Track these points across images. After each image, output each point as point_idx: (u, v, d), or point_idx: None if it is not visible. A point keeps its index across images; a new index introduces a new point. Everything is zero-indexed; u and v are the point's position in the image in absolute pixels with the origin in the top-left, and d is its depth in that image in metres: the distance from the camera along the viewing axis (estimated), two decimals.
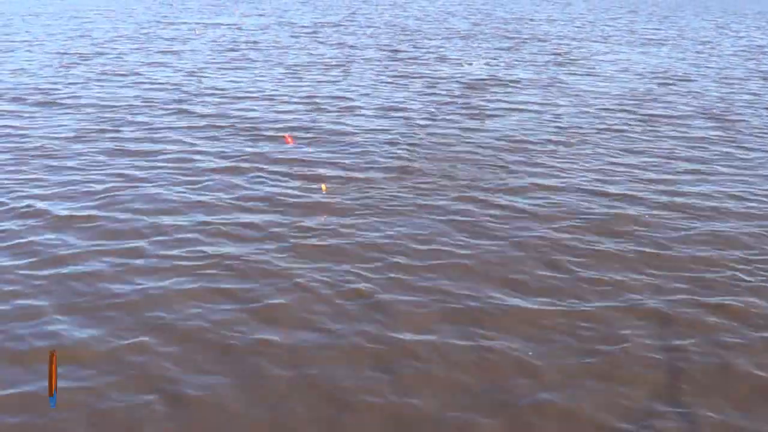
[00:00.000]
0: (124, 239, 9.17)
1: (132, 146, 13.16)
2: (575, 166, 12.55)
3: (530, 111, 16.69)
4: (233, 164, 12.19)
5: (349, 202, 10.58)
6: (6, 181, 11.14)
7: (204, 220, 9.75)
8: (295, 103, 16.86)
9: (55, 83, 18.40)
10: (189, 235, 9.28)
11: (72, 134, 13.89)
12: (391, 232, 9.53)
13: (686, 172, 12.49)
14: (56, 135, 13.84)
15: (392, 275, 8.27)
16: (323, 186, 9.79)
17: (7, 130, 14.08)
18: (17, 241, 9.01)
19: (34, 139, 13.51)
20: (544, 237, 9.49)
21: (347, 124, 15.04)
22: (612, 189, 11.43)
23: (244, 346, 6.73)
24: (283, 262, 8.51)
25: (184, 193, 10.86)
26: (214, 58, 22.88)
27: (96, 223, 9.62)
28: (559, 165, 12.61)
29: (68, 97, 16.94)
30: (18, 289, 7.75)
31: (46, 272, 8.17)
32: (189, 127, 14.53)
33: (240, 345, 6.75)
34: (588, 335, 7.12)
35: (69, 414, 5.68)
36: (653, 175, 12.20)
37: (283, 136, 11.74)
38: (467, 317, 7.41)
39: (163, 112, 15.76)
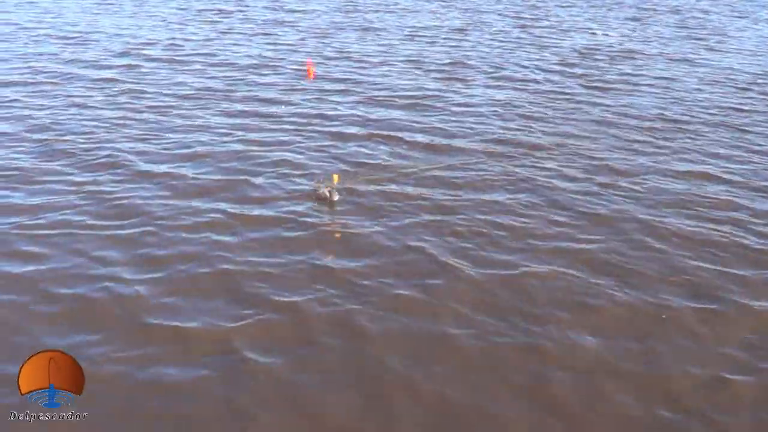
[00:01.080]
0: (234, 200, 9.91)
1: (256, 106, 13.87)
2: (697, 148, 12.13)
3: (656, 86, 16.15)
4: (360, 131, 12.56)
5: (460, 172, 10.85)
6: (119, 137, 11.89)
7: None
8: (419, 68, 17.12)
9: (180, 40, 19.48)
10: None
11: (192, 92, 14.65)
12: (494, 202, 9.75)
13: None
14: (177, 92, 14.59)
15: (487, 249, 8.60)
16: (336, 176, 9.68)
17: (130, 85, 15.00)
18: (115, 201, 9.63)
19: (153, 96, 14.29)
20: (655, 223, 9.35)
21: (467, 92, 15.18)
22: (734, 177, 11.01)
23: None
24: (385, 229, 8.98)
25: (312, 156, 11.39)
26: (339, 20, 23.44)
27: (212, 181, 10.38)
28: (680, 147, 12.21)
29: (192, 55, 17.86)
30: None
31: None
32: (316, 91, 14.93)
33: None
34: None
35: None
36: None
37: (306, 69, 11.53)
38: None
39: (287, 74, 16.36)
